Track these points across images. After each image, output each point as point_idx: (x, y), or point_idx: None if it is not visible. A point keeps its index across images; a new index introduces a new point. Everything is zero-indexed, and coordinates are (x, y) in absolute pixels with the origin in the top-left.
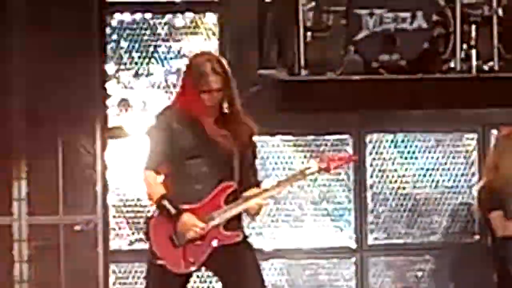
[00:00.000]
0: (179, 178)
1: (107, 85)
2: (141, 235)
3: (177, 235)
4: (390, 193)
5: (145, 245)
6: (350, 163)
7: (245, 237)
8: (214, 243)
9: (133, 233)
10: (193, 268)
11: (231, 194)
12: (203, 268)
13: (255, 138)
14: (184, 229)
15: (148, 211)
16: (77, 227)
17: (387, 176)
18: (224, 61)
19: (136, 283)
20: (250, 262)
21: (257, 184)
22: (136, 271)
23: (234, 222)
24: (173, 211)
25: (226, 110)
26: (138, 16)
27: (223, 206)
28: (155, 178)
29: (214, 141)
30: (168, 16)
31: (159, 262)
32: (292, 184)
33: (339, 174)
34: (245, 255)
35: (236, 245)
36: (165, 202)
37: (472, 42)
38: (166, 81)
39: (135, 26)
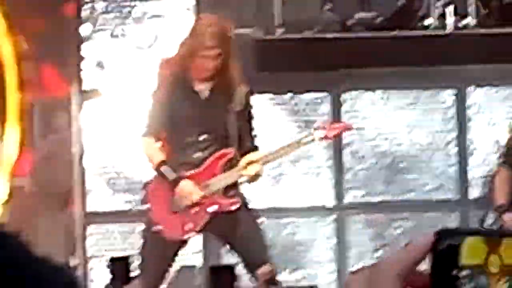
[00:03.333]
0: (177, 145)
1: (82, 46)
2: (118, 196)
3: (175, 201)
4: (368, 151)
5: (121, 207)
6: (346, 131)
7: (245, 203)
8: (211, 209)
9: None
10: (189, 236)
11: (228, 161)
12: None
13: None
14: (182, 196)
15: (123, 173)
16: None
17: (365, 134)
18: (228, 26)
19: (113, 244)
20: (248, 222)
21: (254, 148)
22: (113, 232)
23: (232, 189)
24: (171, 177)
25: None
26: None
27: (220, 173)
28: (153, 144)
29: (211, 107)
30: None
31: (156, 228)
32: (290, 152)
33: None
34: (242, 217)
35: (235, 211)
36: (164, 168)
37: None
38: (142, 42)
39: None
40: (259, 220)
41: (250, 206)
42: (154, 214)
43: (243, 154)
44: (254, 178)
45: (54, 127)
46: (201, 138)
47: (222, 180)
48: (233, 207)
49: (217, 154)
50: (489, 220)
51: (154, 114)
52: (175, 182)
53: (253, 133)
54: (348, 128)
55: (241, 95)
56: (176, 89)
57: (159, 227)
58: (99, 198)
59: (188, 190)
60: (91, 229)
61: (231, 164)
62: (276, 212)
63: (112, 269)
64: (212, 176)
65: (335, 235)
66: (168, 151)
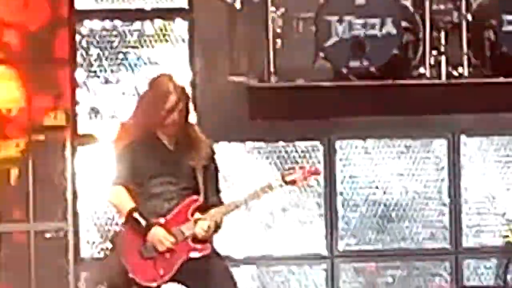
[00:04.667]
0: (145, 196)
1: (76, 92)
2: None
3: (147, 248)
4: (361, 199)
5: None
6: (315, 176)
7: (214, 249)
8: (183, 255)
9: (103, 241)
10: (162, 281)
11: (197, 207)
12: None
13: (217, 154)
14: (155, 241)
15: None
16: (48, 235)
17: (357, 183)
18: (183, 85)
19: None
20: (220, 271)
21: (219, 203)
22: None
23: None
24: (143, 223)
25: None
26: (107, 23)
27: (190, 220)
28: (123, 192)
29: (177, 159)
30: (138, 23)
31: (129, 275)
32: (257, 199)
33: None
34: (215, 266)
35: (205, 257)
36: (136, 215)
37: (442, 48)
38: (135, 88)
39: (104, 33)
40: (229, 268)
41: (220, 254)
42: (126, 262)
43: (208, 208)
44: (205, 232)
45: (49, 172)
46: (167, 189)
47: (192, 226)
48: (204, 253)
49: (186, 201)
50: None
51: (121, 167)
52: (147, 228)
53: (218, 188)
54: (315, 173)
55: (205, 151)
56: (142, 141)
57: (131, 275)
58: (91, 245)
59: (160, 236)
60: (84, 276)
61: (200, 210)
62: (268, 260)
63: None
64: (182, 223)
65: (327, 284)
66: (135, 201)
